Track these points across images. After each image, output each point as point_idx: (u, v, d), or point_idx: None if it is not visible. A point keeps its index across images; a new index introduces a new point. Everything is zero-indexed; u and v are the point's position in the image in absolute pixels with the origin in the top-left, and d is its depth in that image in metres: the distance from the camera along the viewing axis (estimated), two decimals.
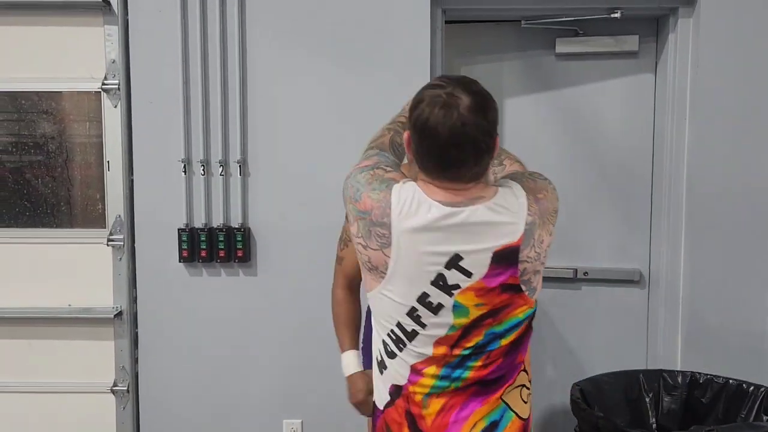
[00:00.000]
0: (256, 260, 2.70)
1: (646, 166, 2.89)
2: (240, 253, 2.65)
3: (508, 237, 1.38)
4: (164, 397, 2.78)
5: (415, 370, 1.46)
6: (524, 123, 2.94)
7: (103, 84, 2.69)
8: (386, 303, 1.45)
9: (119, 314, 2.77)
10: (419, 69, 2.61)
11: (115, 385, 2.80)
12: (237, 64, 2.64)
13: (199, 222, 2.69)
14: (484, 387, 1.45)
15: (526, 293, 1.44)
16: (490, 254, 1.37)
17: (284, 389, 2.75)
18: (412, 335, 1.44)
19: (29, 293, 2.81)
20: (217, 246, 2.66)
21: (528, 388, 1.53)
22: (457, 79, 1.44)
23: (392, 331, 1.46)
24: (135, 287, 2.77)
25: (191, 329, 2.75)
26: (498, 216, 1.39)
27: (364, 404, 1.82)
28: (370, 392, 1.70)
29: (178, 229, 2.67)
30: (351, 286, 1.94)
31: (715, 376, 2.30)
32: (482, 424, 1.45)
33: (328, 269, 2.01)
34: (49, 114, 2.77)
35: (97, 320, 2.78)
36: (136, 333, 2.79)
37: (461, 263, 1.38)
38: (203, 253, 2.67)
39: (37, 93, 2.76)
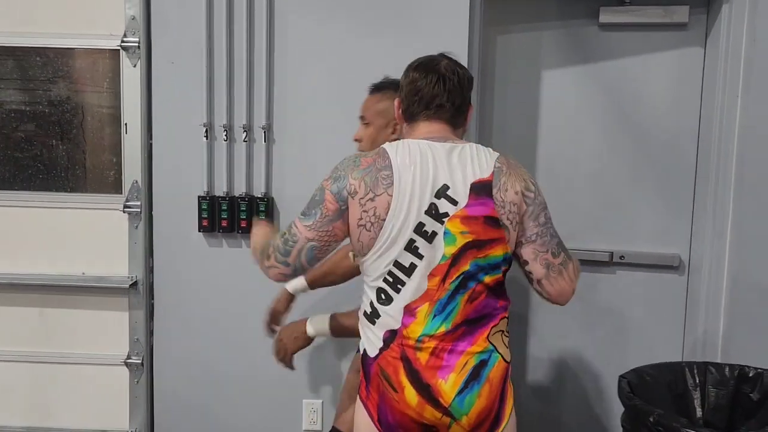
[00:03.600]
0: None
1: (690, 146, 2.74)
2: None
3: (482, 173, 1.62)
4: (179, 371, 2.68)
5: (409, 311, 1.60)
6: (562, 98, 2.80)
7: (122, 42, 2.56)
8: (385, 248, 1.60)
9: (134, 284, 2.66)
10: (457, 38, 2.46)
11: (128, 357, 2.69)
12: (264, 22, 2.50)
13: (220, 190, 2.56)
14: (470, 326, 1.61)
15: (506, 233, 1.61)
16: (469, 185, 1.60)
17: (305, 368, 2.64)
18: (410, 270, 1.60)
19: (41, 260, 2.70)
20: (239, 216, 2.54)
21: (507, 335, 1.69)
22: (439, 54, 1.77)
23: (390, 272, 1.61)
24: (152, 256, 2.65)
25: (209, 302, 2.63)
26: (473, 154, 1.64)
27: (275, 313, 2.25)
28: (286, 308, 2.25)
29: (198, 197, 2.55)
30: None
31: (766, 369, 2.17)
32: (472, 362, 1.60)
33: None
34: (64, 72, 2.64)
35: (111, 290, 2.67)
36: (152, 304, 2.68)
37: (448, 192, 1.60)
38: (224, 223, 2.55)
39: (51, 49, 2.63)
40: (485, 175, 1.61)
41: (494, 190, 1.60)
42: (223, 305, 2.63)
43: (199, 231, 2.57)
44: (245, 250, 2.59)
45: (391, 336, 1.62)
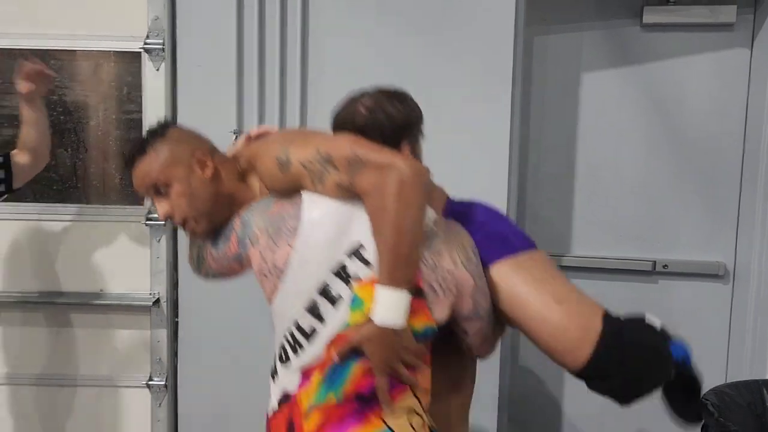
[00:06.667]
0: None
1: (736, 150, 2.66)
2: None
3: None
4: (205, 394, 2.53)
5: (305, 375, 1.39)
6: (604, 99, 2.70)
7: (145, 43, 2.41)
8: (288, 302, 1.41)
9: (156, 301, 2.51)
10: (501, 40, 2.35)
11: (150, 379, 2.54)
12: (298, 24, 2.36)
13: None
14: (363, 404, 1.35)
15: (429, 306, 1.39)
16: None
17: None
18: (310, 334, 1.39)
19: (56, 276, 2.55)
20: None
21: (421, 417, 1.40)
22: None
23: (291, 333, 1.41)
24: (176, 271, 2.50)
25: (238, 320, 2.48)
26: None
27: None
28: None
29: None
30: None
31: None
32: None
33: None
34: (81, 77, 2.49)
35: (131, 308, 2.52)
36: (176, 322, 2.53)
37: (362, 251, 1.37)
38: None
39: (65, 52, 2.47)
40: None
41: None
42: (253, 323, 2.47)
43: None
44: None
45: (284, 398, 1.42)
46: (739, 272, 2.68)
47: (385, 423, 1.35)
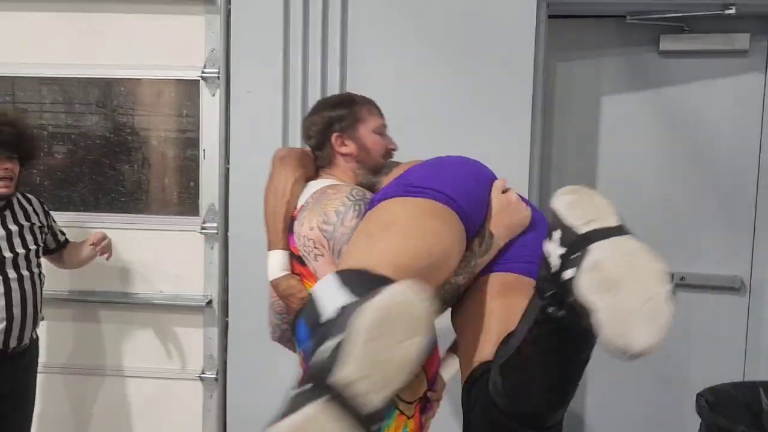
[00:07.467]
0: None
1: (752, 170, 2.79)
2: None
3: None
4: (253, 387, 2.77)
5: None
6: (623, 122, 2.86)
7: (203, 72, 2.69)
8: None
9: (209, 302, 2.77)
10: (522, 66, 2.55)
11: (202, 372, 2.80)
12: (338, 56, 2.61)
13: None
14: None
15: (313, 270, 1.60)
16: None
17: None
18: None
19: (121, 278, 2.83)
20: None
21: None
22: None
23: None
24: (227, 276, 2.77)
25: None
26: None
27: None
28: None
29: None
30: None
31: None
32: None
33: None
34: (146, 101, 2.79)
35: (187, 308, 2.79)
36: (227, 322, 2.79)
37: None
38: None
39: (136, 80, 2.78)
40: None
41: (295, 224, 1.62)
42: None
43: None
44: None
45: None
46: (755, 285, 2.79)
47: None
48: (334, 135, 1.74)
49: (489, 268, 1.44)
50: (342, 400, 0.89)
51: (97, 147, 2.82)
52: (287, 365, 2.73)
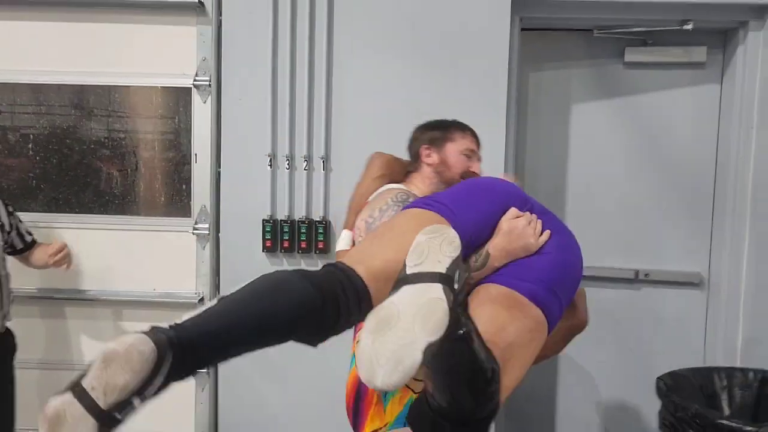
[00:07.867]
0: (335, 252, 2.82)
1: (709, 173, 2.99)
2: (321, 245, 2.78)
3: None
4: (243, 380, 2.90)
5: None
6: (591, 129, 3.05)
7: (195, 80, 2.83)
8: None
9: (201, 300, 2.90)
10: (497, 75, 2.72)
11: None
12: (324, 65, 2.77)
13: (282, 214, 2.82)
14: None
15: None
16: None
17: None
18: None
19: (116, 276, 2.94)
20: (299, 237, 2.79)
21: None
22: None
23: None
24: (218, 275, 2.90)
25: None
26: None
27: None
28: None
29: (263, 220, 2.80)
30: None
31: None
32: None
33: None
34: (140, 108, 2.91)
35: (179, 305, 2.91)
36: None
37: None
38: (285, 244, 2.80)
39: (130, 87, 2.90)
40: None
41: None
42: None
43: (263, 251, 2.82)
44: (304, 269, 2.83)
45: None
46: (713, 281, 2.99)
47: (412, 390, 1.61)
48: (423, 146, 1.99)
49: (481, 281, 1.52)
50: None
51: (93, 152, 2.94)
52: (278, 358, 2.88)
